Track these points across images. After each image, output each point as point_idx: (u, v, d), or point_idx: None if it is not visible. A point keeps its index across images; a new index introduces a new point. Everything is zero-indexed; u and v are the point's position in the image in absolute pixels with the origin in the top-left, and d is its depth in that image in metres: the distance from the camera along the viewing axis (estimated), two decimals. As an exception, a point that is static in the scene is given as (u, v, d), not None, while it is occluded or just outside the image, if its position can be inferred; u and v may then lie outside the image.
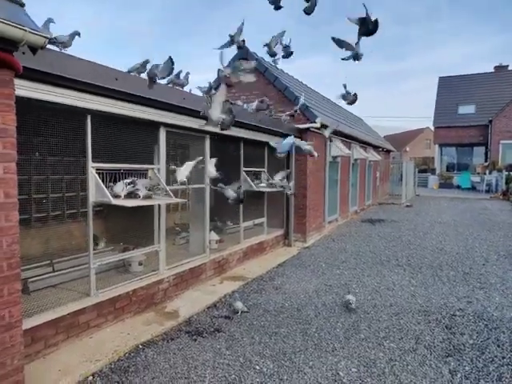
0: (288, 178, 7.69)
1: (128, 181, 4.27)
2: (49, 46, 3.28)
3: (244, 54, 9.31)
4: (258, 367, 3.38)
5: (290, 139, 5.26)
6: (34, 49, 2.51)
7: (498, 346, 3.82)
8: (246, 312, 4.57)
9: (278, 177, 7.28)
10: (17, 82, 2.62)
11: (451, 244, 8.64)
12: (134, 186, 4.26)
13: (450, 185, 26.07)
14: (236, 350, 3.69)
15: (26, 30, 2.31)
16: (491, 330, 4.20)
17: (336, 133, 10.14)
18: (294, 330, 4.13)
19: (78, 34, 3.53)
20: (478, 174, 25.20)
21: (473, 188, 24.31)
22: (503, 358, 3.59)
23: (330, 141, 9.27)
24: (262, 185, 7.12)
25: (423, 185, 26.52)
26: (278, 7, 3.99)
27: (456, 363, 3.49)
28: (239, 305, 4.58)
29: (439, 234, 9.92)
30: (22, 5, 2.51)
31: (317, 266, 6.80)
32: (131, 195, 4.26)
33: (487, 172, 24.08)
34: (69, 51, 3.71)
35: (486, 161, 26.59)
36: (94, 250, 4.05)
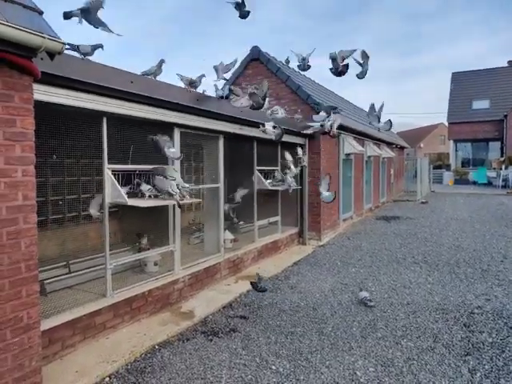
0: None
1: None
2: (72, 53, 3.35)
3: (255, 54, 9.32)
4: (274, 367, 3.37)
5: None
6: (51, 54, 2.55)
7: (520, 344, 3.74)
8: None
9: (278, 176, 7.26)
10: (35, 86, 2.66)
11: (468, 241, 8.49)
12: (138, 187, 4.30)
13: (466, 180, 25.67)
14: (252, 349, 3.69)
15: (44, 37, 2.35)
16: (511, 327, 4.11)
17: (349, 130, 10.07)
18: (310, 330, 4.11)
19: (101, 47, 3.59)
20: (494, 169, 24.73)
21: (489, 183, 23.89)
22: (525, 357, 3.51)
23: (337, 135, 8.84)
24: (269, 181, 7.06)
25: (438, 181, 26.16)
26: (243, 15, 4.16)
27: (475, 362, 3.42)
28: None
29: (456, 230, 9.76)
30: (41, 13, 2.55)
31: (332, 264, 6.76)
32: (137, 195, 4.31)
33: (503, 167, 23.60)
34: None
35: (501, 156, 26.05)
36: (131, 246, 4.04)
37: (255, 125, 6.29)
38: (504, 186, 22.17)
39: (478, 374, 3.23)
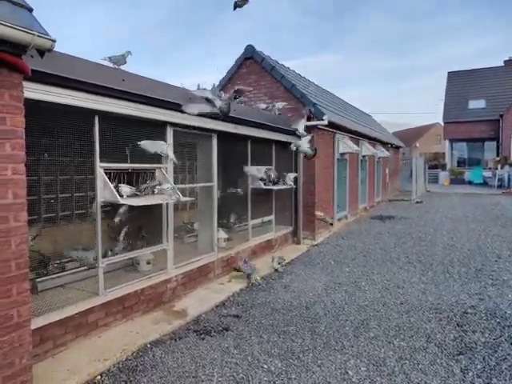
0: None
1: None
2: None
3: (250, 53, 9.31)
4: (265, 366, 3.37)
5: None
6: (41, 52, 2.53)
7: (511, 343, 3.76)
8: None
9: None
10: (25, 84, 2.64)
11: (462, 240, 8.53)
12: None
13: (462, 180, 25.79)
14: (244, 348, 3.69)
15: (34, 34, 2.34)
16: (504, 327, 4.13)
17: (344, 129, 10.09)
18: (303, 329, 4.12)
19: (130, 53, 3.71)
20: (490, 168, 24.84)
21: (485, 183, 24.01)
22: (516, 356, 3.53)
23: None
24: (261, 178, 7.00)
25: (434, 181, 26.24)
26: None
27: (468, 361, 3.44)
28: None
29: (450, 230, 9.81)
30: (31, 9, 2.53)
31: (326, 263, 6.77)
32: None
33: (499, 167, 23.70)
34: (77, 54, 3.69)
35: (497, 155, 26.17)
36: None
37: (250, 124, 6.29)
38: (500, 186, 22.24)
39: (470, 374, 3.24)
